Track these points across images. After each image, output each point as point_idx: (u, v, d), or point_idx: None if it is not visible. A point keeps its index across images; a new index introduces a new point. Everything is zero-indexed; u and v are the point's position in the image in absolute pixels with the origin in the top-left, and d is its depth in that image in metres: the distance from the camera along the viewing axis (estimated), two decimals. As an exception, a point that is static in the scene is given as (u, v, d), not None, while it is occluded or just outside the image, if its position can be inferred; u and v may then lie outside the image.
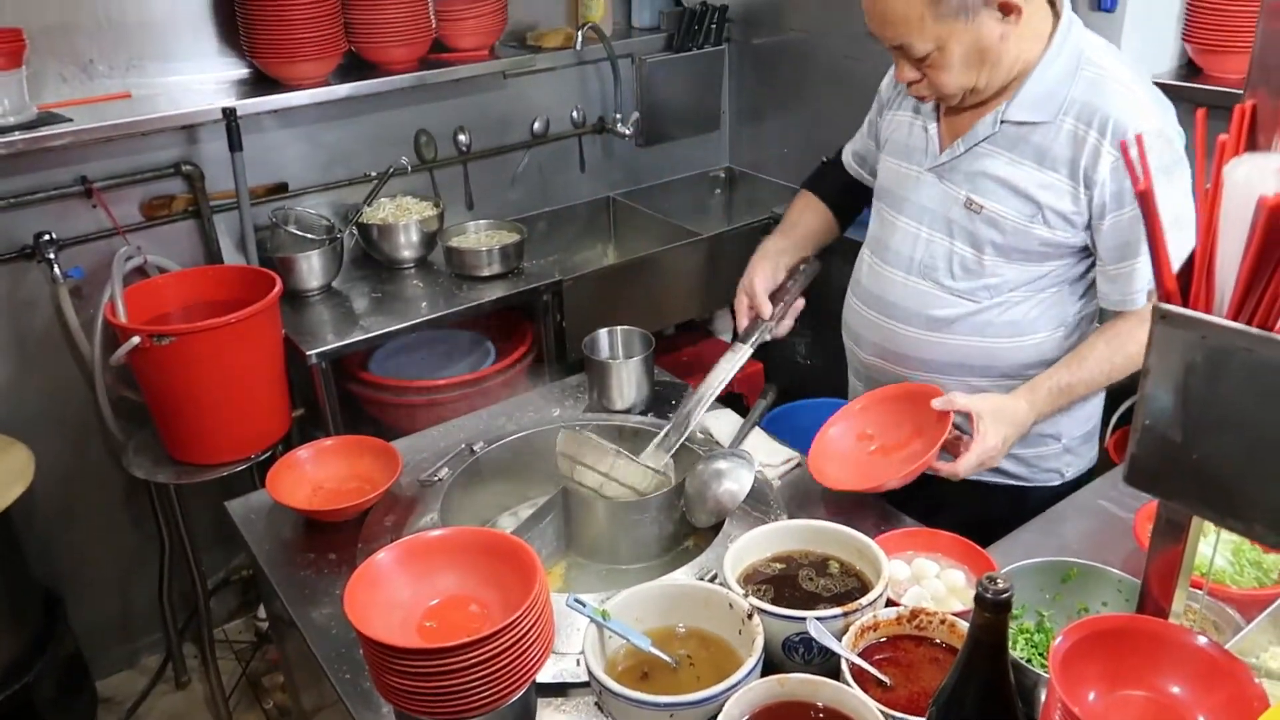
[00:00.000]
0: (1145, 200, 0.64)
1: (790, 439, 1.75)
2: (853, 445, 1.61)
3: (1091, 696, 0.83)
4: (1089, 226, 1.49)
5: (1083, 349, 1.51)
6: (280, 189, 2.61)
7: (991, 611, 0.86)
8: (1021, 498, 1.69)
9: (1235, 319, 0.64)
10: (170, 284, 2.26)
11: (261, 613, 2.73)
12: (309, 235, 2.51)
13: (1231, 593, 1.22)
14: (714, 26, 3.14)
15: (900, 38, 1.41)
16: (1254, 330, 0.62)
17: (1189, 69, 2.24)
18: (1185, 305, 0.66)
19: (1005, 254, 1.53)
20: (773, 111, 3.23)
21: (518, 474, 1.70)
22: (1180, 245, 1.39)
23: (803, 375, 3.16)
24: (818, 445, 1.60)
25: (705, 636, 1.20)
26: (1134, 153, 0.65)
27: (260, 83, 2.50)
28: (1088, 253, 1.53)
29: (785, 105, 3.17)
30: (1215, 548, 1.22)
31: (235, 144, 2.31)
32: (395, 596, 1.12)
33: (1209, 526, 1.27)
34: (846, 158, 1.89)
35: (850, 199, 1.89)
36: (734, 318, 1.80)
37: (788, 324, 1.76)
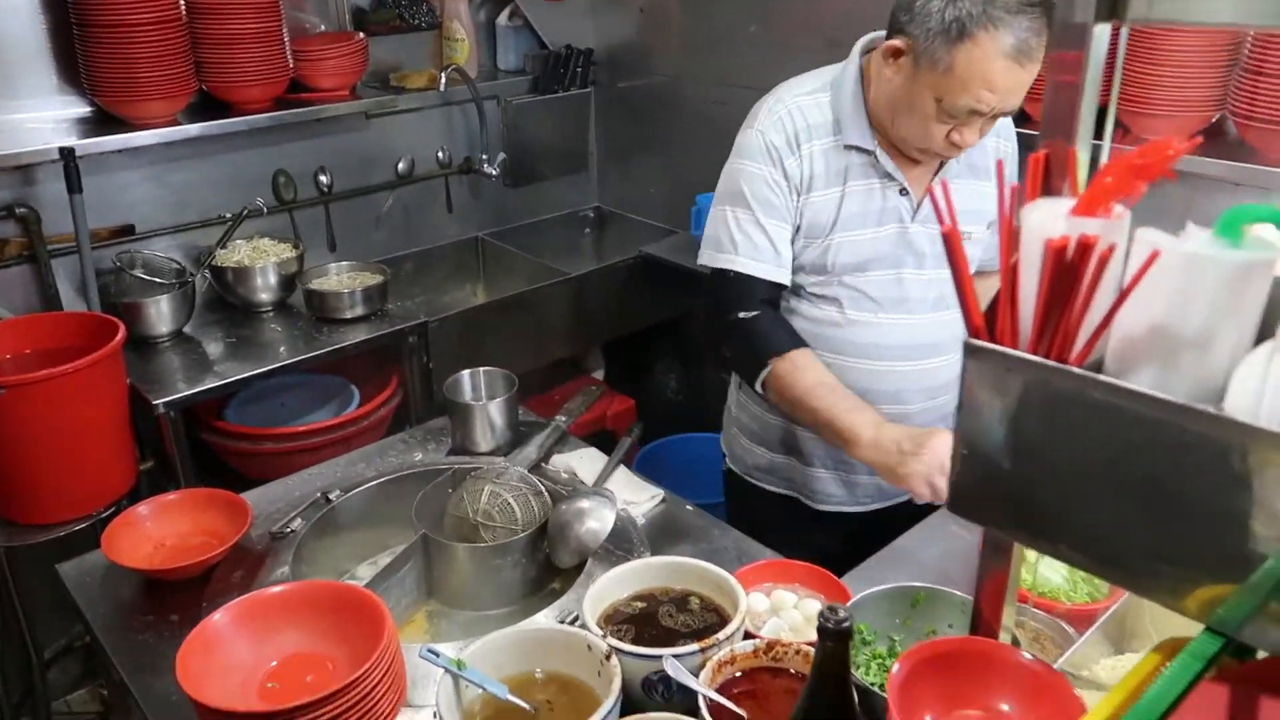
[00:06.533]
0: (949, 241, 0.67)
1: (662, 475, 1.76)
2: None
3: (928, 719, 0.86)
4: None
5: None
6: (126, 231, 2.50)
7: (833, 640, 0.87)
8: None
9: (1034, 353, 0.68)
10: (1, 332, 2.12)
11: (108, 681, 2.55)
12: (157, 279, 2.40)
13: (1065, 608, 1.29)
14: (579, 70, 3.18)
15: (1015, 103, 1.44)
16: (1050, 362, 0.66)
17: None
18: (992, 340, 0.70)
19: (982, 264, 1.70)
20: (640, 153, 3.30)
21: (377, 522, 1.65)
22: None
23: (674, 411, 3.20)
24: None
25: (565, 680, 1.18)
26: (939, 195, 0.68)
27: (104, 121, 2.39)
28: None
29: (652, 147, 3.23)
30: (1034, 563, 1.28)
31: (74, 186, 2.20)
32: (234, 659, 1.07)
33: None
34: (778, 280, 1.63)
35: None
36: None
37: None
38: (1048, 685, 0.84)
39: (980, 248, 1.70)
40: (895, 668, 0.85)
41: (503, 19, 3.13)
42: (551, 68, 3.14)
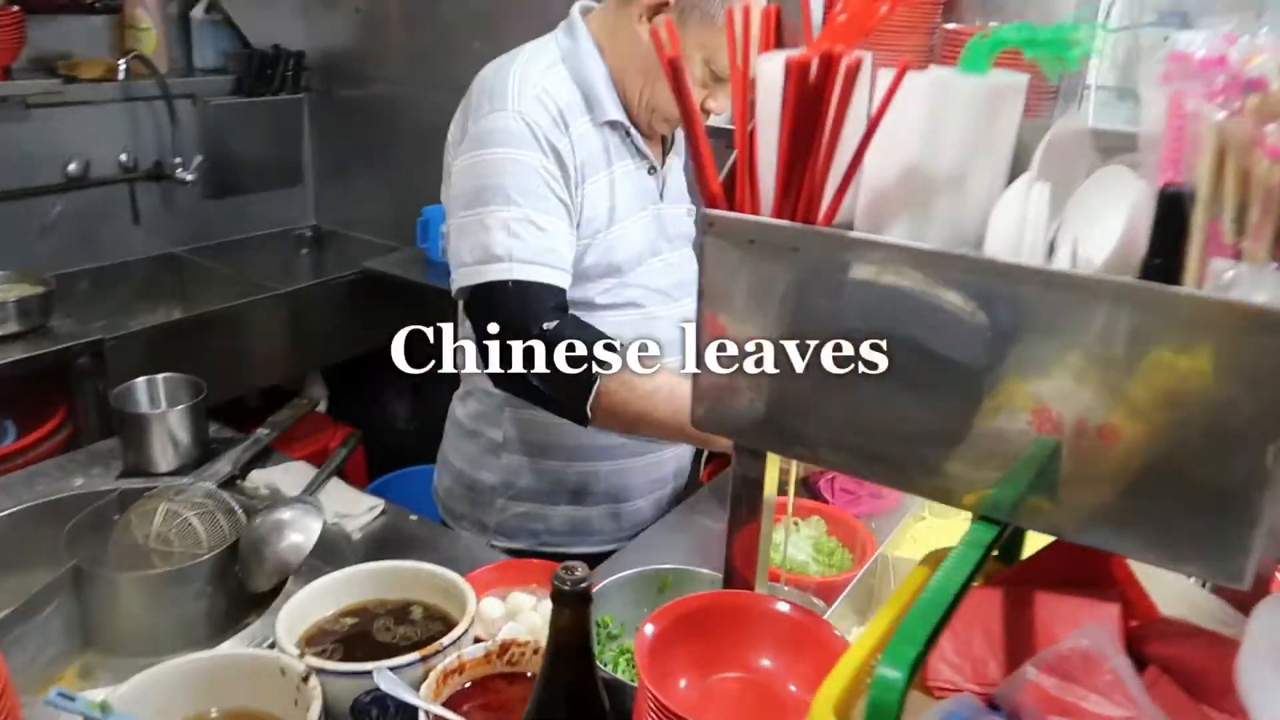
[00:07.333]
0: (674, 71, 0.57)
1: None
2: None
3: (683, 684, 0.73)
4: None
5: None
6: None
7: (571, 605, 0.73)
8: None
9: (778, 217, 0.58)
10: None
11: None
12: None
13: (815, 582, 1.24)
14: (289, 74, 2.93)
15: None
16: (795, 225, 0.57)
17: None
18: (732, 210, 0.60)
19: None
20: (361, 166, 3.07)
21: (19, 562, 1.32)
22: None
23: (403, 442, 2.97)
24: None
25: (252, 716, 0.96)
26: (663, 32, 0.58)
27: None
28: None
29: (374, 160, 3.02)
30: (783, 541, 1.23)
31: None
32: None
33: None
34: (563, 286, 1.36)
35: None
36: None
37: None
38: (810, 633, 0.74)
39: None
40: (644, 630, 0.73)
41: (198, 12, 2.82)
42: (257, 69, 2.86)
